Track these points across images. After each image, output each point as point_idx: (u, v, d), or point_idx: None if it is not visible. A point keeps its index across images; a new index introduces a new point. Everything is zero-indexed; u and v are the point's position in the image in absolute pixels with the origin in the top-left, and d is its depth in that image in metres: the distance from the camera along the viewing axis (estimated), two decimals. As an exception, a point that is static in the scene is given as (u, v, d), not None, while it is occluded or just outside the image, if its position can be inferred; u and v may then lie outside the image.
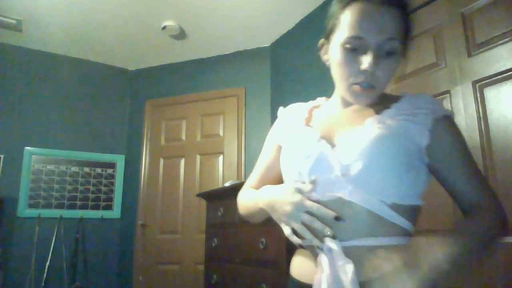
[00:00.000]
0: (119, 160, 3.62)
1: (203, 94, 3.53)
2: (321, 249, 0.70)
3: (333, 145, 0.77)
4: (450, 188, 0.78)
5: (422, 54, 1.95)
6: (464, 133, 1.67)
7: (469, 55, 1.73)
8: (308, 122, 0.89)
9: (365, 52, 0.74)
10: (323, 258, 0.69)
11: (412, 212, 0.74)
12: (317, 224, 0.71)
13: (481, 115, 1.65)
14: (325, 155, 0.76)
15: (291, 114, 0.95)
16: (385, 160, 0.71)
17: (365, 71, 0.73)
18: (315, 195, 0.74)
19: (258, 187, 0.95)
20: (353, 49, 0.75)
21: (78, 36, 3.23)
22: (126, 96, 3.81)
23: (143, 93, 3.77)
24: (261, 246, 1.88)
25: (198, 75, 3.59)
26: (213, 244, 2.36)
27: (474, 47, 1.72)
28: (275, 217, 0.80)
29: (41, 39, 3.27)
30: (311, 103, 0.97)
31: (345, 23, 0.76)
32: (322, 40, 0.87)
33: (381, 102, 0.83)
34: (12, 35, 3.18)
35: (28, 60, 3.41)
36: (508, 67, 1.56)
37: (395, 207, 0.71)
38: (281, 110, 1.00)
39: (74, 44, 3.38)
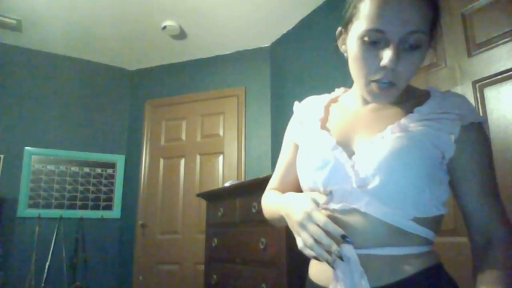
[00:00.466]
0: (119, 160, 3.62)
1: (203, 94, 3.53)
2: (332, 267, 0.67)
3: (350, 152, 0.73)
4: (462, 205, 0.73)
5: (422, 54, 1.95)
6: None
7: (469, 55, 1.73)
8: (324, 123, 0.83)
9: (386, 46, 0.67)
10: (339, 267, 0.66)
11: (434, 222, 0.71)
12: (324, 239, 0.65)
13: (481, 115, 1.65)
14: (341, 164, 0.72)
15: (307, 110, 0.89)
16: (405, 175, 0.66)
17: (385, 67, 0.67)
18: (331, 204, 0.72)
19: (280, 187, 0.93)
20: (373, 42, 0.68)
21: (78, 36, 3.23)
22: (126, 96, 3.81)
23: (143, 93, 3.77)
24: (261, 246, 1.88)
25: (198, 75, 3.59)
26: (213, 244, 2.36)
27: (474, 47, 1.72)
28: (290, 225, 0.74)
29: (41, 39, 3.27)
30: (328, 96, 0.91)
31: (364, 14, 0.68)
32: (340, 29, 0.79)
33: (405, 99, 0.76)
34: (12, 35, 3.18)
35: (28, 60, 3.41)
36: (508, 67, 1.56)
37: (416, 220, 0.68)
38: (296, 105, 0.93)
39: (74, 44, 3.38)
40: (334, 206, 0.71)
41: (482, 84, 1.66)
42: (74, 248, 3.20)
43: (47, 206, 3.26)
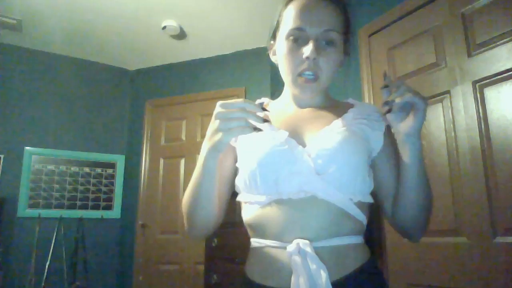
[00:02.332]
0: (119, 160, 3.62)
1: (203, 94, 3.53)
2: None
3: (303, 144, 0.77)
4: (380, 181, 0.83)
5: (422, 54, 1.96)
6: (464, 133, 1.68)
7: (469, 55, 1.73)
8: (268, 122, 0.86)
9: (306, 43, 0.79)
10: (297, 261, 0.68)
11: (368, 209, 0.80)
12: (237, 114, 0.66)
13: (481, 115, 1.65)
14: (298, 152, 0.75)
15: None
16: (354, 160, 0.75)
17: (307, 58, 0.78)
18: (288, 193, 0.73)
19: None
20: (296, 40, 0.80)
21: (78, 36, 3.23)
22: (126, 96, 3.81)
23: (143, 93, 3.77)
24: (261, 246, 1.88)
25: (198, 75, 3.59)
26: (213, 244, 2.36)
27: (474, 47, 1.72)
28: (209, 149, 0.72)
29: (41, 39, 3.27)
30: (259, 102, 0.92)
31: (287, 18, 0.83)
32: (269, 42, 0.92)
33: (334, 105, 0.89)
34: (12, 35, 3.18)
35: (28, 60, 3.40)
36: (508, 67, 1.56)
37: (359, 205, 0.75)
38: None
39: (74, 44, 3.37)
40: (291, 196, 0.73)
41: (482, 84, 1.66)
42: (74, 248, 3.19)
43: (47, 206, 3.26)
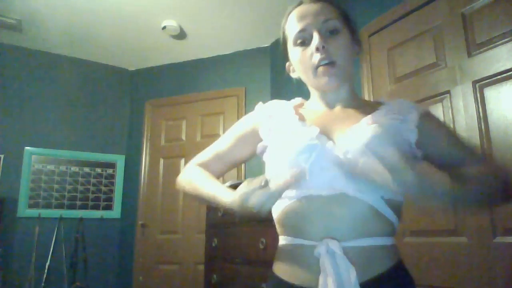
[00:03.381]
0: (119, 160, 3.62)
1: (203, 94, 3.53)
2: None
3: (334, 142, 0.78)
4: (446, 162, 0.81)
5: (422, 54, 1.96)
6: (464, 133, 1.68)
7: (469, 55, 1.73)
8: (300, 119, 0.87)
9: (312, 39, 0.83)
10: (326, 261, 0.68)
11: (399, 209, 0.78)
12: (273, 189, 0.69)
13: (481, 115, 1.65)
14: (328, 149, 0.75)
15: (275, 110, 0.91)
16: (385, 156, 0.73)
17: (317, 49, 0.81)
18: (317, 189, 0.73)
19: (208, 166, 0.95)
20: (303, 43, 0.84)
21: (78, 36, 3.23)
22: (126, 96, 3.81)
23: (143, 93, 3.77)
24: (261, 246, 1.88)
25: (198, 75, 3.59)
26: (213, 244, 2.36)
27: (474, 47, 1.72)
28: (237, 213, 0.76)
29: (41, 39, 3.27)
30: (292, 102, 0.95)
31: (290, 29, 0.87)
32: (287, 64, 0.95)
33: (364, 104, 0.89)
34: (12, 35, 3.18)
35: (28, 60, 3.40)
36: (508, 67, 1.56)
37: (391, 204, 0.74)
38: (260, 106, 0.95)
39: (74, 44, 3.37)
40: (320, 192, 0.73)
41: (482, 84, 1.66)
42: (74, 248, 3.20)
43: (47, 206, 3.26)
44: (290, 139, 0.80)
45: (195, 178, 0.93)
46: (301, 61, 0.84)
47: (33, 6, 2.78)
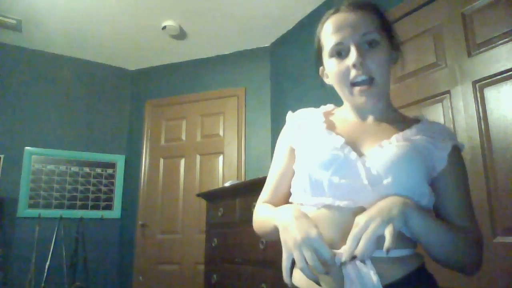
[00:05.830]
0: (119, 160, 3.62)
1: (203, 94, 3.53)
2: (318, 283, 0.68)
3: (360, 154, 0.76)
4: (441, 206, 0.80)
5: (422, 54, 1.95)
6: (464, 133, 1.68)
7: (469, 55, 1.73)
8: (328, 127, 0.86)
9: (349, 53, 0.79)
10: (350, 270, 0.66)
11: None
12: (318, 267, 0.65)
13: (481, 115, 1.65)
14: (351, 161, 0.74)
15: (304, 119, 0.90)
16: (413, 176, 0.73)
17: (354, 65, 0.78)
18: (335, 200, 0.72)
19: (272, 200, 0.91)
20: (340, 55, 0.81)
21: (78, 36, 3.23)
22: (126, 96, 3.81)
23: (143, 93, 3.77)
24: (261, 246, 1.88)
25: (198, 75, 3.59)
26: (213, 244, 2.36)
27: (474, 47, 1.72)
28: (283, 238, 0.72)
29: (41, 39, 3.27)
30: (322, 109, 0.94)
31: (326, 38, 0.84)
32: (320, 68, 0.92)
33: (399, 120, 0.86)
34: (12, 35, 3.18)
35: (28, 60, 3.40)
36: (508, 67, 1.56)
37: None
38: (290, 115, 0.94)
39: (74, 44, 3.37)
40: (340, 204, 0.72)
41: (482, 84, 1.66)
42: (74, 248, 3.20)
43: (47, 206, 3.26)
44: (314, 148, 0.80)
45: (260, 215, 0.90)
46: (337, 75, 0.82)
47: (33, 6, 2.78)
